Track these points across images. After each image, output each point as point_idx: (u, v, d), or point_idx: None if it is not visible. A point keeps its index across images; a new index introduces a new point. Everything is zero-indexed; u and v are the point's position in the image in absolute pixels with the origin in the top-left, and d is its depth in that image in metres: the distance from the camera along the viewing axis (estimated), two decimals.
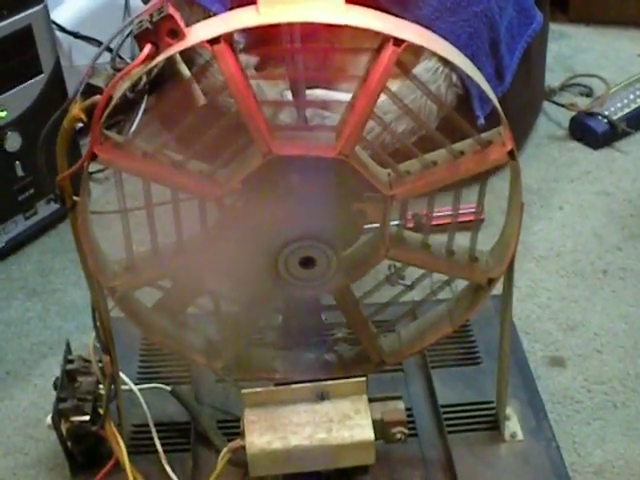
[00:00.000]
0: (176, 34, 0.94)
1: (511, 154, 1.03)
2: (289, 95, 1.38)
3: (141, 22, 0.94)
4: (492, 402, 1.31)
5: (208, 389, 1.36)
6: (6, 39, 1.54)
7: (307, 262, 1.03)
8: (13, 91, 1.59)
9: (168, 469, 1.23)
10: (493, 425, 1.30)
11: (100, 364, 1.22)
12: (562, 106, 2.05)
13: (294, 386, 1.05)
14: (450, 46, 1.00)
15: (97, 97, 0.97)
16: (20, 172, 1.65)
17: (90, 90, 1.00)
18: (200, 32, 0.95)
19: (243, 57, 1.72)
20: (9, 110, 1.59)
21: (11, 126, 1.60)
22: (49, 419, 1.24)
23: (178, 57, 1.02)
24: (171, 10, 0.94)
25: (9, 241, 1.69)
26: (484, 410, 1.32)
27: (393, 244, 1.08)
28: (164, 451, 1.26)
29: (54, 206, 1.74)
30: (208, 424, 1.28)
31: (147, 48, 0.94)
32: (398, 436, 1.06)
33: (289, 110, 1.30)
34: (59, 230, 1.76)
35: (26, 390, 1.47)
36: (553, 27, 2.22)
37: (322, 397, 1.04)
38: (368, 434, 1.02)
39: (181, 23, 0.94)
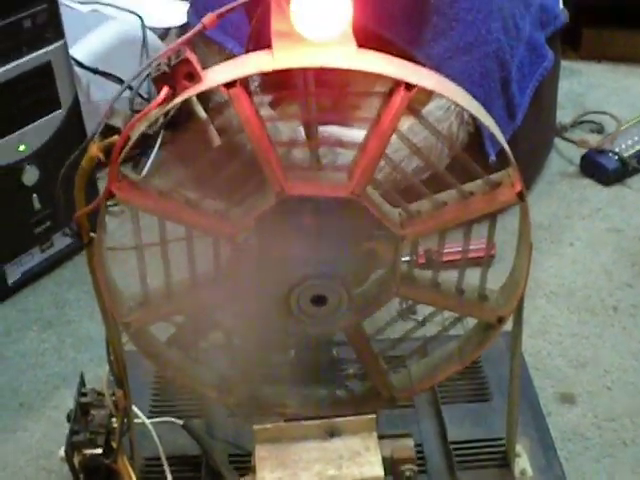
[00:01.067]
0: (193, 77, 0.96)
1: (520, 195, 1.05)
2: (302, 131, 1.40)
3: (159, 65, 0.97)
4: (502, 439, 1.31)
5: (220, 423, 1.37)
6: (26, 75, 1.58)
7: (319, 300, 1.05)
8: (32, 125, 1.62)
9: None
10: (503, 462, 1.30)
11: (113, 397, 1.24)
12: (573, 143, 2.07)
13: (304, 423, 1.06)
14: (461, 90, 1.02)
15: (115, 137, 0.99)
16: (37, 205, 1.67)
17: (109, 130, 1.02)
18: (216, 75, 0.97)
19: (258, 96, 1.76)
20: (28, 144, 1.62)
21: (29, 160, 1.63)
22: (62, 451, 1.26)
23: (194, 99, 1.04)
24: (188, 54, 0.96)
25: (25, 273, 1.72)
26: (494, 447, 1.32)
27: (403, 282, 1.09)
28: None
29: (69, 239, 1.77)
30: (220, 458, 1.29)
31: (164, 91, 0.96)
32: (407, 474, 1.07)
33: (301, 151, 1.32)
34: (75, 262, 1.79)
35: (40, 422, 1.49)
36: (564, 64, 2.24)
37: (332, 434, 1.05)
38: (378, 471, 1.03)
39: (198, 67, 0.96)
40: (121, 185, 1.02)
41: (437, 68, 1.65)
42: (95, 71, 1.82)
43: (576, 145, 2.05)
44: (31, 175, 1.64)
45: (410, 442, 1.10)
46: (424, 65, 1.02)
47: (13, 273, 1.70)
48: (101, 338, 1.59)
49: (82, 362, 1.58)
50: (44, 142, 1.64)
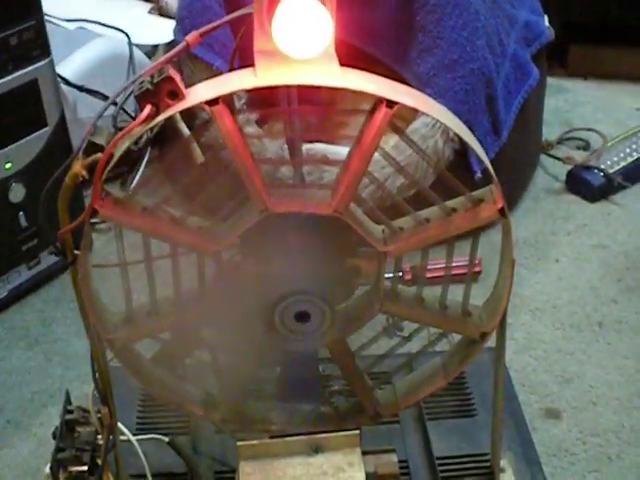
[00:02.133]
0: (176, 95, 0.97)
1: (502, 212, 1.05)
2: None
3: (142, 83, 0.97)
4: (487, 454, 1.32)
5: (206, 440, 1.37)
6: (12, 92, 1.58)
7: (302, 316, 1.05)
8: (18, 143, 1.62)
9: None
10: (488, 477, 1.30)
11: (99, 415, 1.24)
12: (559, 159, 2.08)
13: (288, 439, 1.07)
14: (443, 107, 1.03)
15: (99, 155, 1.00)
16: (24, 223, 1.68)
17: (92, 147, 1.03)
18: (199, 93, 0.97)
19: (244, 113, 1.76)
20: (14, 162, 1.62)
21: (16, 178, 1.63)
22: (47, 468, 1.25)
23: (178, 116, 1.04)
24: (171, 72, 0.97)
25: (12, 290, 1.72)
26: (479, 462, 1.33)
27: (387, 299, 1.10)
28: None
29: (57, 256, 1.76)
30: (206, 475, 1.30)
31: (147, 109, 0.97)
32: None
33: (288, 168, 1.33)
34: (62, 280, 1.79)
35: (26, 439, 1.48)
36: (551, 81, 2.26)
37: (316, 450, 1.06)
38: None
39: (181, 85, 0.96)
40: (104, 202, 1.02)
41: (423, 86, 1.69)
42: (82, 89, 1.83)
43: (562, 162, 2.07)
44: (17, 192, 1.64)
45: (394, 457, 1.10)
46: (410, 83, 1.03)
47: (0, 290, 1.70)
48: (88, 356, 1.60)
49: (69, 380, 1.58)
50: (30, 160, 1.64)
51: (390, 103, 0.97)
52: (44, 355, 1.64)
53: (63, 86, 1.79)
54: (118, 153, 1.00)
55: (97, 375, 1.17)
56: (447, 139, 1.69)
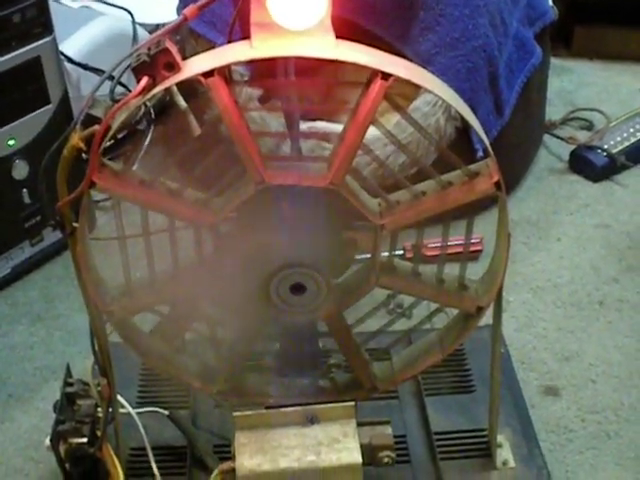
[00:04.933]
0: (172, 67, 0.97)
1: (497, 185, 1.06)
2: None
3: (139, 55, 0.98)
4: (485, 430, 1.32)
5: (206, 414, 1.38)
6: (15, 70, 1.58)
7: (298, 288, 1.06)
8: (21, 120, 1.63)
9: None
10: (485, 452, 1.31)
11: (99, 387, 1.25)
12: (562, 139, 2.08)
13: (285, 409, 1.07)
14: (438, 80, 1.04)
15: (96, 127, 1.00)
16: (27, 200, 1.68)
17: (91, 120, 1.03)
18: (195, 65, 0.98)
19: (247, 89, 1.77)
20: (17, 138, 1.63)
21: (19, 154, 1.64)
22: (48, 440, 1.27)
23: (175, 89, 1.05)
24: (168, 44, 0.97)
25: (15, 267, 1.73)
26: (477, 437, 1.34)
27: (384, 272, 1.10)
28: (161, 474, 1.28)
29: (60, 233, 1.77)
30: (204, 448, 1.31)
31: (144, 80, 0.97)
32: (385, 460, 1.08)
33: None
34: (64, 257, 1.79)
35: (28, 413, 1.49)
36: (556, 62, 2.25)
37: (312, 421, 1.06)
38: (356, 457, 1.04)
39: (177, 57, 0.97)
40: (102, 175, 1.03)
41: (425, 64, 1.68)
42: (85, 67, 1.83)
43: (565, 141, 2.06)
44: (21, 169, 1.65)
45: (388, 429, 1.11)
46: (411, 61, 1.03)
47: (3, 267, 1.70)
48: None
49: (71, 355, 1.59)
50: (34, 137, 1.65)
51: (385, 75, 0.97)
52: (46, 331, 1.65)
53: (67, 64, 1.79)
54: (115, 125, 1.01)
55: (96, 347, 1.18)
56: (449, 117, 1.69)
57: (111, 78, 1.06)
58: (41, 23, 1.60)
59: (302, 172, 1.04)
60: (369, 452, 1.06)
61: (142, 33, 1.94)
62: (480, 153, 1.71)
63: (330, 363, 1.23)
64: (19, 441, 1.45)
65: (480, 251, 1.69)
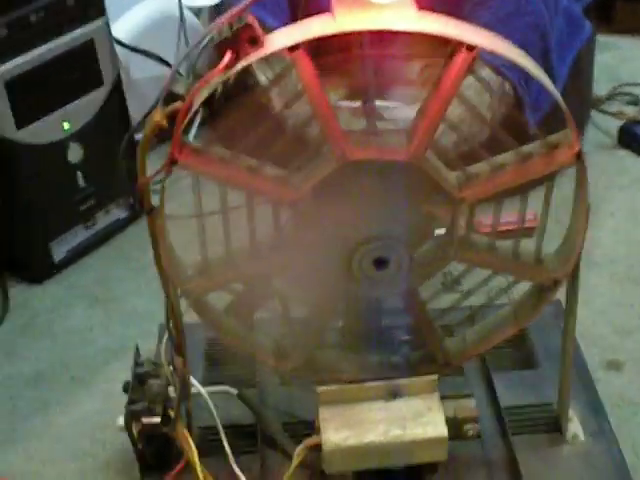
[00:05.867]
0: (255, 42, 0.97)
1: (578, 156, 1.05)
2: (343, 104, 1.40)
3: (221, 30, 0.97)
4: (552, 404, 1.32)
5: (272, 392, 1.38)
6: (69, 52, 1.59)
7: (380, 263, 1.06)
8: (76, 103, 1.63)
9: (237, 470, 1.25)
10: (554, 427, 1.31)
11: (171, 367, 1.25)
12: (610, 115, 2.07)
13: (368, 384, 1.07)
14: (520, 51, 1.03)
15: (178, 103, 1.00)
16: (81, 183, 1.69)
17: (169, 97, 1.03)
18: (278, 40, 0.98)
19: None
20: (72, 122, 1.63)
21: (74, 138, 1.64)
22: (120, 420, 1.27)
23: (254, 65, 1.05)
24: (250, 19, 0.97)
25: (70, 251, 1.73)
26: (544, 412, 1.33)
27: (461, 246, 1.10)
28: (231, 453, 1.28)
29: (113, 216, 1.78)
30: (274, 426, 1.31)
31: (227, 56, 0.97)
32: (470, 432, 1.08)
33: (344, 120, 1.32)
34: (117, 240, 1.80)
35: (92, 395, 1.50)
36: (598, 38, 2.23)
37: (395, 395, 1.06)
38: (441, 430, 1.04)
39: (260, 31, 0.97)
40: (183, 152, 1.03)
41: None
42: (134, 49, 1.83)
43: (613, 117, 2.05)
44: (75, 153, 1.65)
45: (472, 402, 1.11)
46: None
47: (58, 251, 1.71)
48: (148, 314, 1.62)
49: (130, 337, 1.59)
50: (88, 120, 1.65)
51: (470, 47, 0.97)
52: (105, 313, 1.65)
53: (116, 47, 1.79)
54: (197, 102, 1.01)
55: (171, 326, 1.18)
56: (503, 93, 1.68)
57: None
58: (94, 5, 1.60)
59: (383, 146, 1.03)
60: (454, 425, 1.06)
61: (189, 15, 1.93)
62: (533, 130, 1.69)
63: (401, 340, 1.23)
64: (84, 423, 1.46)
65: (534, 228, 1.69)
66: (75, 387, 1.52)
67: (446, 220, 1.08)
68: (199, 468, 1.23)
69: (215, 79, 0.99)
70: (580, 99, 1.98)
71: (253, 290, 1.18)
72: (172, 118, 1.01)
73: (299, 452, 1.07)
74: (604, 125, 2.08)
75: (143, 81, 1.84)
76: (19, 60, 1.52)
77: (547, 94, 1.77)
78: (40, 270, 1.70)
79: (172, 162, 1.03)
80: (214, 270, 1.12)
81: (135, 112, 1.76)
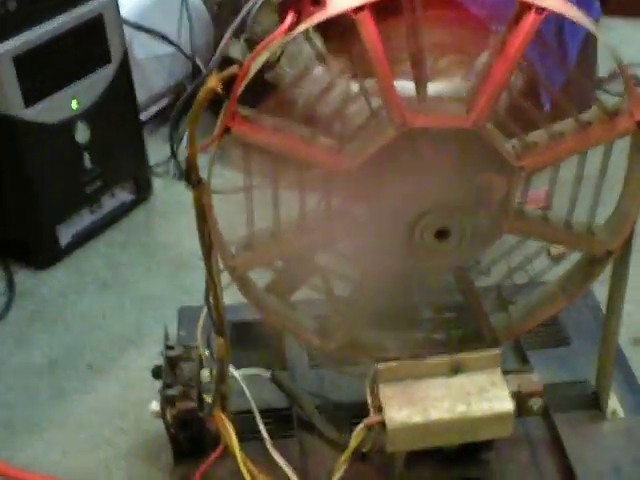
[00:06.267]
0: (318, 2, 0.93)
1: (639, 124, 1.03)
2: (356, 85, 1.36)
3: None
4: (587, 381, 1.30)
5: (302, 375, 1.35)
6: (78, 28, 1.53)
7: (442, 234, 1.02)
8: (84, 80, 1.57)
9: (275, 455, 1.21)
10: (593, 404, 1.29)
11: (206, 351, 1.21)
12: (614, 95, 2.05)
13: (428, 360, 1.04)
14: (583, 14, 1.01)
15: (234, 68, 0.95)
16: (88, 164, 1.63)
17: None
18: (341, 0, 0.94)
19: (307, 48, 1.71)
20: (80, 100, 1.57)
21: (81, 117, 1.59)
22: (154, 405, 1.22)
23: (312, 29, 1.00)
24: None
25: (76, 235, 1.67)
26: (581, 389, 1.31)
27: (516, 217, 1.07)
28: None
29: (118, 200, 1.73)
30: (310, 409, 1.27)
31: (290, 17, 0.93)
32: (535, 407, 1.06)
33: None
34: (123, 224, 1.75)
35: (110, 382, 1.45)
36: None
37: (456, 370, 1.03)
38: (507, 406, 1.01)
39: None
40: (235, 120, 0.99)
41: (492, 18, 1.64)
42: (139, 27, 1.77)
43: (617, 97, 2.04)
44: (83, 133, 1.59)
45: (536, 376, 1.08)
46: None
47: (65, 235, 1.65)
48: (162, 298, 1.58)
49: (145, 322, 1.55)
50: (96, 98, 1.59)
51: (539, 9, 0.94)
52: (117, 298, 1.60)
53: None
54: (256, 67, 0.96)
55: (211, 306, 1.13)
56: (520, 69, 1.65)
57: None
58: None
59: (443, 113, 1.00)
60: (518, 400, 1.03)
61: None
62: (547, 107, 1.68)
63: (443, 317, 1.20)
64: (104, 412, 1.40)
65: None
66: (92, 375, 1.46)
67: (501, 191, 1.05)
68: (239, 453, 1.19)
69: (276, 42, 0.94)
70: (587, 78, 1.97)
71: (295, 267, 1.14)
72: (227, 83, 0.96)
73: (358, 433, 1.03)
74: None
75: (146, 61, 1.78)
76: (28, 35, 1.46)
77: (559, 71, 1.76)
78: (47, 255, 1.64)
79: (225, 130, 0.98)
80: (260, 245, 1.08)
81: (138, 92, 1.71)
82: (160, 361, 1.36)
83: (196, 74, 1.82)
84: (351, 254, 1.09)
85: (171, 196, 1.79)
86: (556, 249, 1.59)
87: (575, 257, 1.17)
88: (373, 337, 1.18)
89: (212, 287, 1.11)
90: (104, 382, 1.45)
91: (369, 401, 1.13)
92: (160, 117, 1.91)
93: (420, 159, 1.01)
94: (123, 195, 1.74)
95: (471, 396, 1.02)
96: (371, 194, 1.02)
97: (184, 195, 1.79)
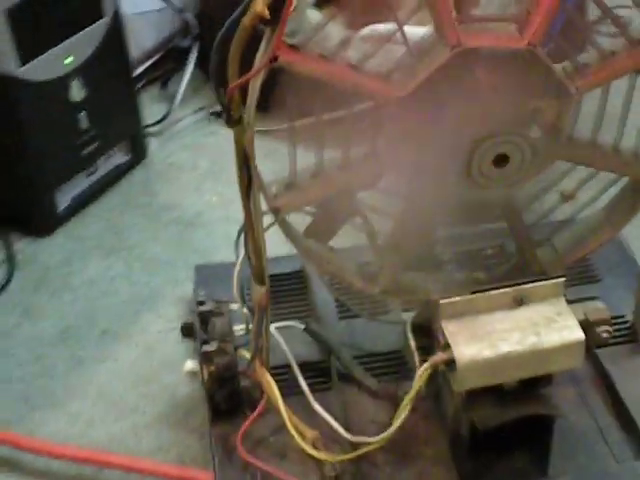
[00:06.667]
0: None
1: None
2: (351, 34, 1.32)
3: None
4: (624, 316, 1.28)
5: (331, 326, 1.30)
6: None
7: (500, 160, 0.98)
8: (77, 36, 1.49)
9: (318, 409, 1.16)
10: (630, 338, 1.27)
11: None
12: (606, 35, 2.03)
13: (490, 293, 1.00)
14: None
15: None
16: (84, 125, 1.55)
17: None
18: None
19: None
20: (74, 56, 1.49)
21: (76, 74, 1.51)
22: (189, 365, 1.17)
23: None
24: None
25: (73, 200, 1.60)
26: (618, 324, 1.28)
27: (567, 143, 1.04)
28: None
29: (114, 162, 1.66)
30: (348, 359, 1.23)
31: None
32: (604, 335, 1.02)
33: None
34: (120, 187, 1.67)
35: (128, 348, 1.39)
36: None
37: (520, 302, 0.99)
38: (578, 335, 0.98)
39: None
40: (282, 49, 0.93)
41: None
42: None
43: (609, 37, 2.01)
44: (78, 91, 1.51)
45: (601, 304, 1.05)
46: None
47: (62, 200, 1.57)
48: (171, 260, 1.52)
49: (157, 285, 1.48)
50: (90, 54, 1.51)
51: None
52: (124, 263, 1.53)
53: None
54: None
55: (250, 253, 1.08)
56: None
57: None
58: None
59: (497, 34, 0.96)
60: (587, 329, 0.99)
61: None
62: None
63: (484, 254, 1.17)
64: (126, 379, 1.34)
65: None
66: (108, 341, 1.39)
67: (553, 115, 1.02)
68: (283, 407, 1.14)
69: None
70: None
71: (335, 208, 1.09)
72: (275, 9, 0.90)
73: (423, 373, 0.98)
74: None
75: (135, 17, 1.71)
76: None
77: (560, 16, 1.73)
78: (45, 221, 1.56)
79: (273, 59, 0.92)
80: (302, 185, 1.03)
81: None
82: (184, 320, 1.31)
83: (187, 30, 1.76)
84: (397, 191, 1.05)
85: (167, 156, 1.72)
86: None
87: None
88: (415, 279, 1.14)
89: (251, 232, 1.06)
90: (122, 348, 1.38)
91: (412, 346, 1.10)
92: (148, 75, 1.83)
93: (474, 83, 0.97)
94: (118, 157, 1.66)
95: (539, 327, 0.98)
96: (423, 123, 0.98)
97: (180, 154, 1.75)
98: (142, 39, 1.73)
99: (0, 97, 1.41)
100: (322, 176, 1.02)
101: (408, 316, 1.21)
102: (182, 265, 1.50)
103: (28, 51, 1.40)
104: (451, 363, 0.97)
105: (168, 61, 1.83)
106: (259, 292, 1.10)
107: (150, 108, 1.75)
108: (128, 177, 1.67)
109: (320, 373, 1.23)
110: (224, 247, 1.52)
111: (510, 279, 1.13)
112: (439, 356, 0.97)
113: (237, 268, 1.17)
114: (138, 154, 1.67)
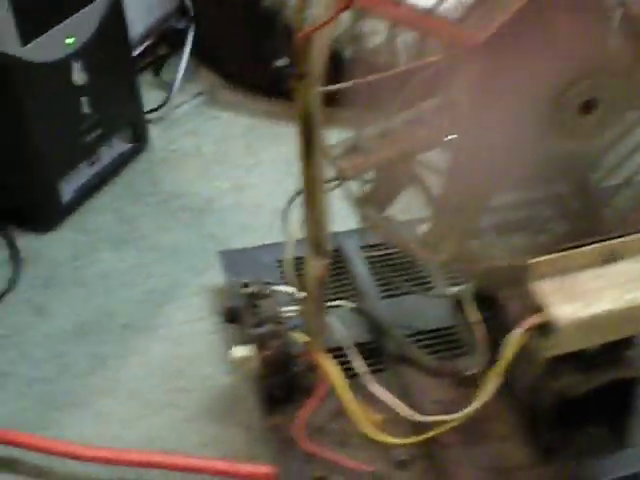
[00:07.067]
0: None
1: None
2: None
3: None
4: None
5: (373, 306, 1.23)
6: None
7: (588, 106, 0.92)
8: (78, 15, 1.39)
9: (379, 390, 1.09)
10: None
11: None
12: None
13: (580, 250, 0.93)
14: None
15: None
16: (87, 109, 1.45)
17: None
18: None
19: None
20: (76, 36, 1.40)
21: (77, 56, 1.41)
22: (235, 351, 1.09)
23: None
24: None
25: (77, 190, 1.50)
26: None
27: None
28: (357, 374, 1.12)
29: (116, 150, 1.56)
30: (402, 339, 1.16)
31: None
32: None
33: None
34: (123, 177, 1.57)
35: (154, 341, 1.29)
36: None
37: (614, 258, 0.93)
38: None
39: None
40: None
41: None
42: None
43: None
44: (80, 73, 1.42)
45: None
46: None
47: (66, 191, 1.47)
48: (183, 248, 1.44)
49: (176, 274, 1.39)
50: (91, 35, 1.42)
51: None
52: (137, 254, 1.43)
53: None
54: None
55: (308, 221, 1.00)
56: None
57: None
58: None
59: None
60: None
61: None
62: None
63: (545, 216, 1.10)
64: (154, 374, 1.25)
65: None
66: (130, 336, 1.30)
67: (629, 59, 0.96)
68: (346, 389, 1.06)
69: None
70: None
71: (395, 174, 1.02)
72: None
73: (516, 339, 0.91)
74: None
75: None
76: None
77: None
78: (49, 214, 1.46)
79: (346, 6, 0.85)
80: (367, 146, 0.96)
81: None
82: (226, 305, 1.23)
83: (185, 11, 1.67)
84: (470, 144, 0.98)
85: (169, 143, 1.63)
86: None
87: None
88: (479, 246, 1.08)
89: (311, 199, 0.98)
90: (147, 342, 1.29)
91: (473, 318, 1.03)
92: (142, 60, 1.74)
93: (553, 27, 0.90)
94: (120, 145, 1.56)
95: (634, 283, 0.92)
96: (499, 73, 0.91)
97: (183, 141, 1.66)
98: (136, 21, 1.64)
99: (2, 79, 1.30)
100: (390, 137, 0.95)
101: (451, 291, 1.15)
102: (197, 253, 1.41)
103: (29, 30, 1.30)
104: (544, 327, 0.90)
105: (162, 45, 1.74)
106: (318, 266, 1.02)
107: (146, 95, 1.66)
108: (131, 165, 1.58)
109: (370, 354, 1.16)
110: (240, 233, 1.45)
111: (574, 239, 1.08)
112: (534, 319, 0.90)
113: (290, 247, 1.08)
114: (140, 141, 1.58)
